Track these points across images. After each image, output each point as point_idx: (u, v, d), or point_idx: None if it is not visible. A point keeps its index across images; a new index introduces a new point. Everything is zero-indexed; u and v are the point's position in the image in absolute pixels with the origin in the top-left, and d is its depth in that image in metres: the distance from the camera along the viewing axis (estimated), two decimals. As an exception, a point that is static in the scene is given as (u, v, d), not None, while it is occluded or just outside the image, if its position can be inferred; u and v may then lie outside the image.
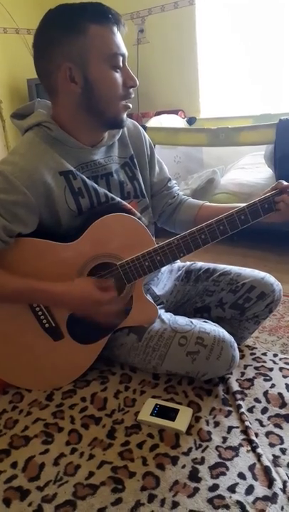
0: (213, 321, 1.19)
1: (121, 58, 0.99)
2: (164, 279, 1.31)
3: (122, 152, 1.17)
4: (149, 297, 1.14)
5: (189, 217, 1.24)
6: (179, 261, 1.37)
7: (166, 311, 1.23)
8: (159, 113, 2.81)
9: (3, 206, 0.97)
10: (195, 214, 1.24)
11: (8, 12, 3.12)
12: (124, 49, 0.99)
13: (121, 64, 0.99)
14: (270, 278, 1.22)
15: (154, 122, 2.51)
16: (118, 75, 0.99)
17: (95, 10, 0.96)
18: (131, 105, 1.06)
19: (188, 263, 1.36)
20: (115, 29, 0.97)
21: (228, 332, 1.13)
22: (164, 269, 1.32)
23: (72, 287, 1.04)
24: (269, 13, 2.70)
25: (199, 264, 1.34)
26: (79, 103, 1.00)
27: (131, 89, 1.03)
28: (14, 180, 0.96)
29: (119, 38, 0.98)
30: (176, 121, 2.75)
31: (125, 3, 3.10)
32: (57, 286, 1.03)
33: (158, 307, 1.18)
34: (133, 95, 1.04)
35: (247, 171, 2.50)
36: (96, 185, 1.07)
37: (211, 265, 1.31)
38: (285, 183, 1.02)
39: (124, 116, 1.06)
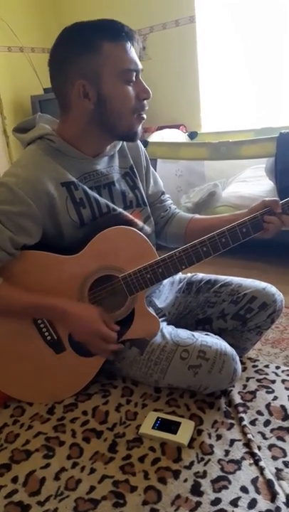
0: (215, 333, 1.19)
1: (134, 73, 1.01)
2: (166, 291, 1.31)
3: (122, 163, 1.19)
4: (151, 310, 1.14)
5: (180, 230, 1.26)
6: (180, 273, 1.38)
7: (168, 324, 1.23)
8: (160, 128, 2.84)
9: (8, 218, 0.98)
10: (185, 227, 1.26)
11: (13, 31, 3.20)
12: (137, 64, 1.01)
13: (134, 78, 1.01)
14: (271, 288, 1.22)
15: (156, 137, 2.54)
16: (131, 89, 1.01)
17: (109, 28, 0.98)
18: (145, 116, 1.07)
19: (189, 275, 1.37)
20: (128, 46, 0.99)
21: (230, 343, 1.13)
22: (166, 281, 1.32)
23: (78, 309, 1.06)
24: (268, 29, 2.75)
25: (200, 275, 1.35)
26: (91, 118, 1.02)
27: (144, 101, 1.04)
28: (19, 191, 0.98)
29: (132, 54, 1.00)
30: (178, 136, 2.78)
31: (127, 21, 3.11)
32: (64, 304, 1.05)
33: (160, 320, 1.18)
34: (147, 107, 1.05)
35: (248, 183, 2.52)
36: (98, 196, 1.09)
37: (212, 276, 1.32)
38: (279, 202, 1.03)
39: (139, 128, 1.07)
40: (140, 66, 1.02)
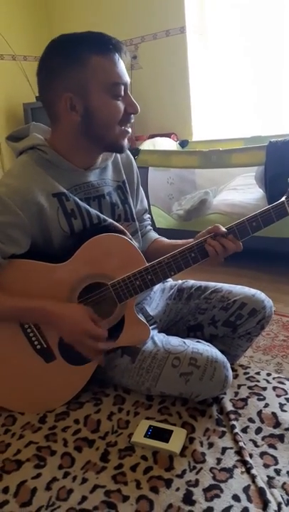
0: (207, 339, 1.19)
1: (122, 87, 1.00)
2: (157, 298, 1.32)
3: (115, 176, 1.19)
4: (141, 316, 1.14)
5: (142, 249, 1.27)
6: (171, 279, 1.38)
7: (160, 331, 1.23)
8: (152, 136, 2.86)
9: None
10: (147, 246, 1.29)
11: (5, 39, 3.21)
12: (125, 78, 1.00)
13: (122, 92, 1.01)
14: (260, 295, 1.23)
15: (147, 145, 2.56)
16: (119, 103, 1.01)
17: (97, 40, 0.97)
18: (130, 130, 1.07)
19: (180, 281, 1.37)
20: (116, 58, 0.98)
21: (221, 350, 1.14)
22: (157, 288, 1.33)
23: (66, 310, 1.05)
24: (259, 38, 2.80)
25: (191, 282, 1.35)
26: (78, 130, 1.02)
27: (131, 115, 1.04)
28: (8, 201, 0.98)
29: (120, 67, 0.99)
30: (169, 144, 2.80)
31: (119, 31, 3.18)
32: (51, 306, 1.03)
33: (151, 327, 1.18)
34: (133, 120, 1.05)
35: (239, 191, 2.54)
36: (88, 207, 1.09)
37: (203, 283, 1.33)
38: (223, 228, 1.04)
39: (125, 142, 1.07)
40: (128, 79, 1.02)
